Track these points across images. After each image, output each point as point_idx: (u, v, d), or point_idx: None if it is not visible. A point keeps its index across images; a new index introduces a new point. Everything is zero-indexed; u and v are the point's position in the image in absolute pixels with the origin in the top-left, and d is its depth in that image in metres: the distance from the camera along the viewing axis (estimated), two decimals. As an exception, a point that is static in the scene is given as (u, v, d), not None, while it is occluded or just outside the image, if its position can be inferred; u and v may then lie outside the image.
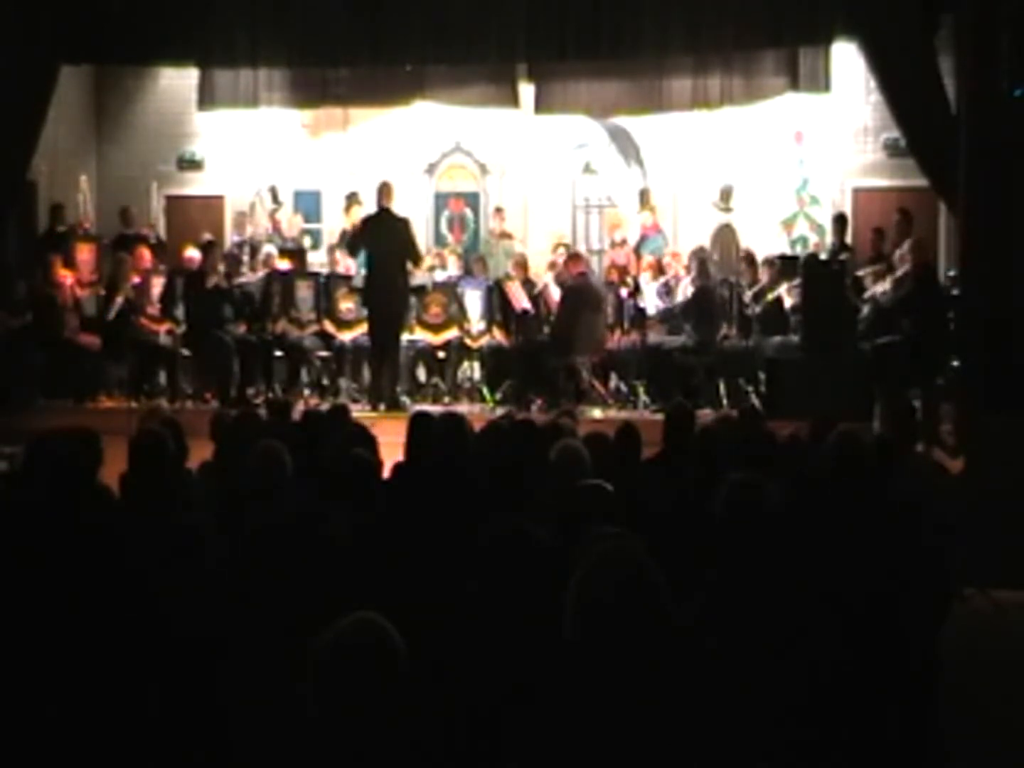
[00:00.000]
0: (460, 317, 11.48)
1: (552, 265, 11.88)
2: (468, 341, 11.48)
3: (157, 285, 11.51)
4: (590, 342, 10.86)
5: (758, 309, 11.00)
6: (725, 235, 12.74)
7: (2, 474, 6.22)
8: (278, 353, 11.35)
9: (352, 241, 11.40)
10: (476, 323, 11.49)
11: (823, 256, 11.44)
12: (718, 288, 11.14)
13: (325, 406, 10.26)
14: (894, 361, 9.97)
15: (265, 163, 13.42)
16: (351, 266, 11.67)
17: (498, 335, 11.42)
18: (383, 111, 13.11)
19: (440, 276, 11.87)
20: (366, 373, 11.33)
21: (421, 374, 11.70)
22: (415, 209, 12.94)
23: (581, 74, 12.29)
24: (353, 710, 2.26)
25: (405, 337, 11.18)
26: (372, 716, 2.27)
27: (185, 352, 11.30)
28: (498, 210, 13.00)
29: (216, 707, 2.75)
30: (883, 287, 10.49)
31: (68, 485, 4.13)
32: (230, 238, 13.03)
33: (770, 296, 10.89)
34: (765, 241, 12.53)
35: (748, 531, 3.42)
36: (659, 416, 7.94)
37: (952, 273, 10.53)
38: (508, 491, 4.61)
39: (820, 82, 12.02)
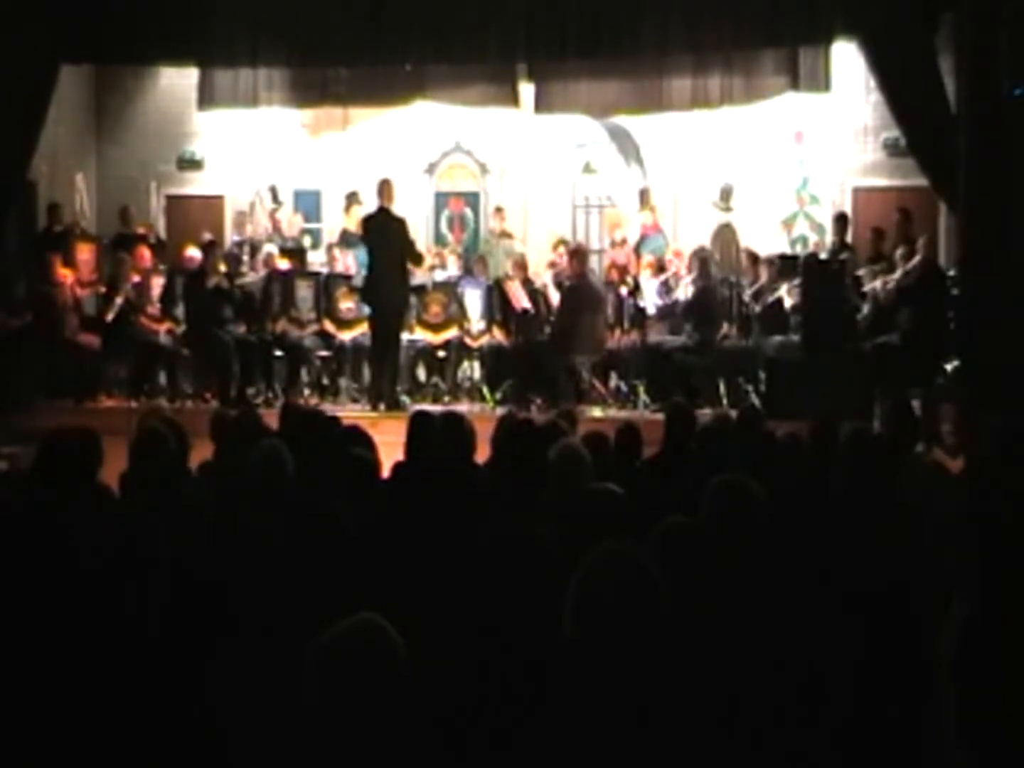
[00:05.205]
0: (460, 317, 11.48)
1: (552, 265, 11.88)
2: (468, 341, 11.49)
3: (157, 285, 11.51)
4: (590, 342, 10.86)
5: (758, 309, 11.01)
6: (725, 235, 12.73)
7: (2, 474, 6.21)
8: (278, 353, 11.35)
9: (362, 241, 11.41)
10: (476, 323, 11.49)
11: (823, 256, 11.45)
12: (718, 288, 11.15)
13: (326, 406, 10.36)
14: (894, 361, 9.98)
15: (265, 163, 13.41)
16: (351, 265, 11.69)
17: (498, 335, 11.43)
18: (383, 111, 13.10)
19: (440, 276, 11.87)
20: (366, 373, 11.33)
21: (421, 374, 11.70)
22: (415, 209, 12.94)
23: (581, 74, 12.28)
24: (352, 712, 2.26)
25: (405, 336, 11.18)
26: (371, 718, 2.27)
27: (185, 352, 11.30)
28: (498, 210, 12.99)
29: (214, 708, 2.75)
30: (883, 281, 10.51)
31: (76, 484, 4.13)
32: (230, 238, 13.03)
33: (771, 298, 10.92)
34: (765, 241, 12.52)
35: (739, 533, 3.43)
36: (659, 416, 7.94)
37: (952, 273, 10.54)
38: (509, 491, 4.61)
39: (820, 82, 12.01)
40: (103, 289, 11.54)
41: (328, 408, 9.75)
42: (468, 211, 13.77)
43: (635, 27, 10.97)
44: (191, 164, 13.79)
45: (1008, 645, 1.90)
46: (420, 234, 12.87)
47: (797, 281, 10.71)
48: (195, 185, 13.84)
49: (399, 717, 2.29)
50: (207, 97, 12.57)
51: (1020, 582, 2.83)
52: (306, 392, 11.31)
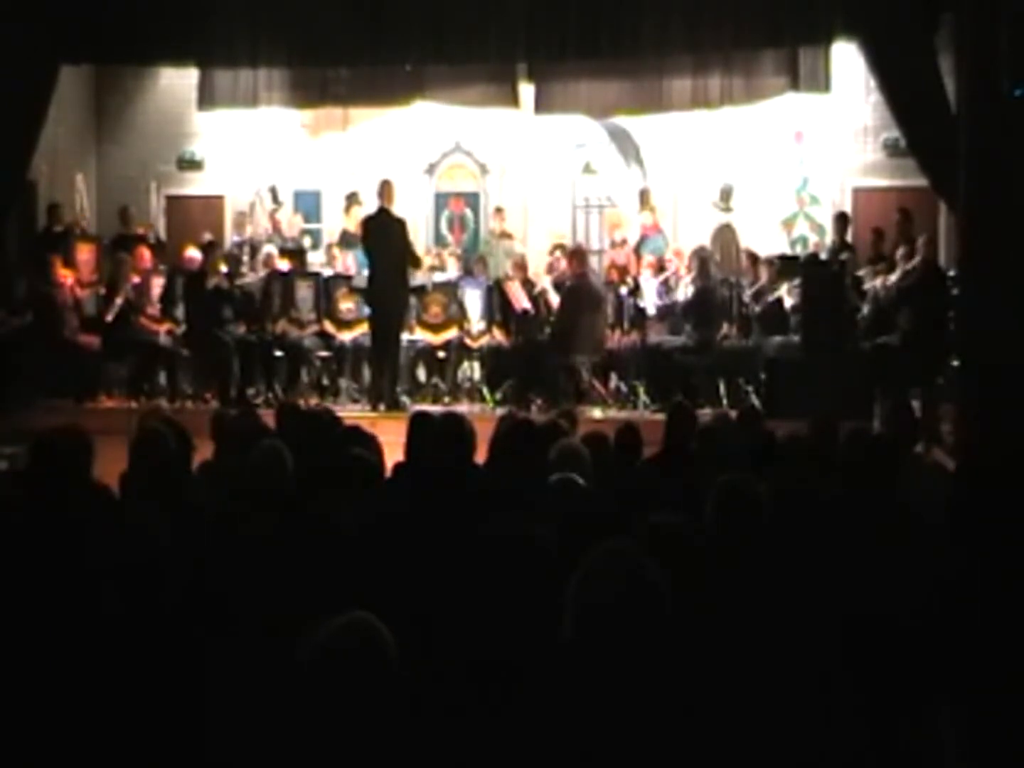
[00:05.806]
0: (460, 317, 11.49)
1: (550, 268, 11.88)
2: (468, 341, 11.49)
3: (157, 285, 11.52)
4: (590, 342, 10.87)
5: (758, 309, 11.02)
6: (725, 235, 12.75)
7: (2, 474, 6.21)
8: (278, 353, 11.35)
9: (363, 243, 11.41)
10: (476, 323, 11.50)
11: (823, 256, 11.45)
12: (718, 288, 11.16)
13: (327, 406, 10.34)
14: (894, 361, 9.99)
15: (265, 163, 13.41)
16: (351, 266, 11.70)
17: (498, 335, 11.43)
18: (383, 111, 13.10)
19: (440, 276, 11.87)
20: (366, 373, 11.34)
21: (421, 374, 11.70)
22: (415, 209, 12.95)
23: (581, 74, 12.28)
24: (344, 711, 2.26)
25: (405, 337, 11.18)
26: (363, 717, 2.26)
27: (185, 352, 11.30)
28: (498, 210, 12.99)
29: (212, 707, 2.75)
30: (883, 281, 10.52)
31: (70, 483, 4.13)
32: (230, 238, 13.03)
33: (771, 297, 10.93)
34: (765, 241, 12.53)
35: (742, 533, 3.44)
36: (659, 416, 7.95)
37: (952, 273, 10.55)
38: (509, 491, 4.61)
39: (820, 82, 12.02)
40: (103, 289, 11.54)
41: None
42: (468, 211, 13.76)
43: (635, 27, 10.96)
44: (191, 164, 13.79)
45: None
46: (420, 235, 12.88)
47: (797, 281, 10.71)
48: (195, 185, 13.84)
49: (393, 716, 2.29)
50: (207, 97, 12.56)
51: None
52: (306, 392, 11.31)
